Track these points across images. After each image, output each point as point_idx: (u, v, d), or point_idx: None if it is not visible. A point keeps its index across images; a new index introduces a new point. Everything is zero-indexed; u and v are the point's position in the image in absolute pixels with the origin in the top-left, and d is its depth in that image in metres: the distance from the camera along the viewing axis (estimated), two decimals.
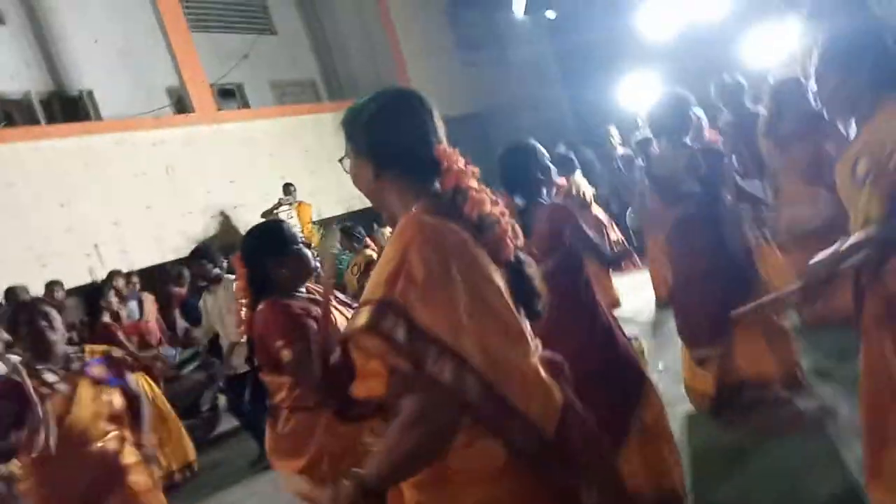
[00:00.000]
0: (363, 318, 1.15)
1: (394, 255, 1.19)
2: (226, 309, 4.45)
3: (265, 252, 2.13)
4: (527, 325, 1.32)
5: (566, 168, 5.81)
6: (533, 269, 1.38)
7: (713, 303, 3.02)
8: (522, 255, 1.37)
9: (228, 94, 10.35)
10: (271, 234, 2.21)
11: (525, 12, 15.31)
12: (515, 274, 1.34)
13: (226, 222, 8.36)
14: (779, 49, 9.29)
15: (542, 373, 1.29)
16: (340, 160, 1.40)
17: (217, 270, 4.55)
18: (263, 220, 8.23)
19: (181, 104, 8.86)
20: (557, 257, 2.61)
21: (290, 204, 8.28)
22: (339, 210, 9.32)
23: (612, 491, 1.37)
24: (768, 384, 3.02)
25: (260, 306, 2.08)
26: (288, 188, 8.34)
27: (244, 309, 2.17)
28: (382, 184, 1.34)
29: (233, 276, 4.64)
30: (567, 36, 15.22)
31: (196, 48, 8.68)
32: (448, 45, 13.13)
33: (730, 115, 4.74)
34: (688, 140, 3.23)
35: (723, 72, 5.31)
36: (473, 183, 1.33)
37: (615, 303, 5.59)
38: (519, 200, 2.71)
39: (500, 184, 2.88)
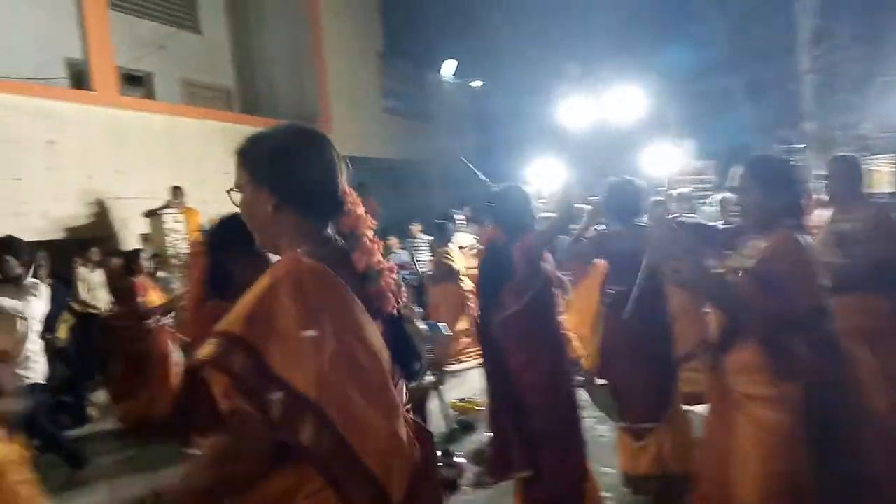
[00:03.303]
0: (208, 349, 1.10)
1: (261, 290, 1.13)
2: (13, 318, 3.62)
3: (237, 246, 1.84)
4: (394, 384, 1.26)
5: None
6: (414, 328, 1.39)
7: (660, 377, 3.14)
8: (405, 313, 1.37)
9: (135, 81, 9.76)
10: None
11: (454, 75, 15.93)
12: (396, 331, 1.32)
13: (102, 213, 7.70)
14: (671, 164, 10.31)
15: (402, 434, 1.22)
16: (229, 191, 1.31)
17: (20, 270, 3.77)
18: (146, 218, 7.75)
19: (80, 79, 8.21)
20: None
21: (179, 208, 7.80)
22: None
23: None
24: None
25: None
26: (176, 191, 7.86)
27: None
28: (278, 219, 1.25)
29: (36, 281, 3.91)
30: (489, 105, 15.92)
31: (110, 27, 8.16)
32: (374, 89, 13.24)
33: None
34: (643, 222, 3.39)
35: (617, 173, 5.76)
36: (369, 232, 1.32)
37: None
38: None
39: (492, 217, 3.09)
